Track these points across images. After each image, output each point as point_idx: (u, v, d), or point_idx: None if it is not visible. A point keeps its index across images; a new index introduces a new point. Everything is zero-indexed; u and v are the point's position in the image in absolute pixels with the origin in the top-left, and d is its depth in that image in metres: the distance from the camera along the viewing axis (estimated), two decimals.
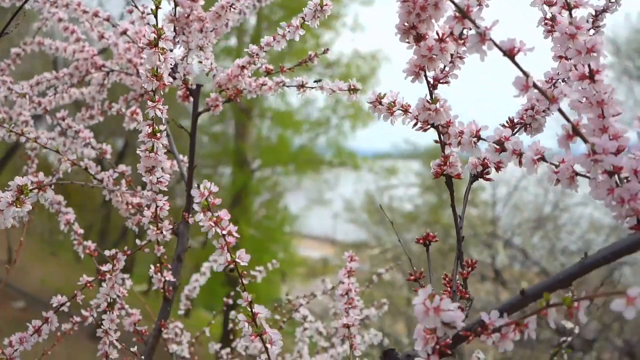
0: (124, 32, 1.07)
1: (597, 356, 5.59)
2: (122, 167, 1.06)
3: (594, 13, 0.73)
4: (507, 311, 0.53)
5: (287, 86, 0.99)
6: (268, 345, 0.66)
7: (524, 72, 0.51)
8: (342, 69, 10.30)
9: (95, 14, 1.10)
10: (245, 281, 1.41)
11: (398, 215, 9.83)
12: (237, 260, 0.64)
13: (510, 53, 0.51)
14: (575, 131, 0.52)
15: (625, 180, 0.53)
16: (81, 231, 1.10)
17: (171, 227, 0.92)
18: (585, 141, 0.52)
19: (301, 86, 0.97)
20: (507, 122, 0.70)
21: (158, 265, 0.97)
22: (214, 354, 1.40)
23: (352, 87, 0.86)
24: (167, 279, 0.98)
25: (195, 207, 0.62)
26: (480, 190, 9.32)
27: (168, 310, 1.01)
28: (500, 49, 0.51)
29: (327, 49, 1.02)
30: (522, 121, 0.69)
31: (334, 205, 11.79)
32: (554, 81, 0.69)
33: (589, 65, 0.54)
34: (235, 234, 0.64)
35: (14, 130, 0.98)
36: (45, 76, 1.25)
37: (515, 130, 0.69)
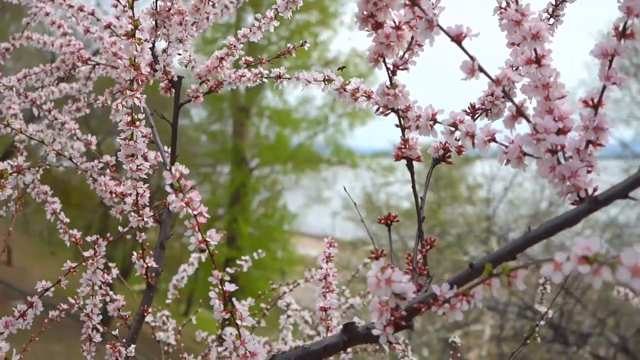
0: (108, 26, 1.10)
1: (591, 351, 5.62)
2: (106, 158, 1.09)
3: (554, 2, 0.76)
4: (457, 284, 0.56)
5: (266, 77, 1.02)
6: (238, 322, 0.69)
7: (470, 57, 0.54)
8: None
9: (80, 9, 1.13)
10: (230, 269, 1.41)
11: (395, 212, 9.83)
12: (207, 239, 0.67)
13: (457, 38, 0.54)
14: (519, 112, 0.55)
15: (570, 159, 0.56)
16: (67, 220, 1.13)
17: (152, 214, 0.95)
18: (529, 121, 0.55)
19: (278, 77, 1.00)
20: (468, 107, 0.72)
21: (140, 252, 1.00)
22: (201, 341, 1.43)
23: (326, 77, 0.89)
24: (149, 265, 1.01)
25: (167, 188, 0.65)
26: (478, 188, 9.35)
27: (151, 296, 1.04)
28: (447, 34, 0.54)
29: (305, 42, 1.06)
30: (482, 107, 0.72)
31: (333, 203, 11.83)
32: (513, 68, 0.72)
33: (535, 50, 0.57)
34: (206, 215, 0.67)
35: (1, 121, 1.00)
36: (33, 70, 1.28)
37: (477, 115, 0.72)
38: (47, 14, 1.24)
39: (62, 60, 1.23)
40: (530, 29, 0.56)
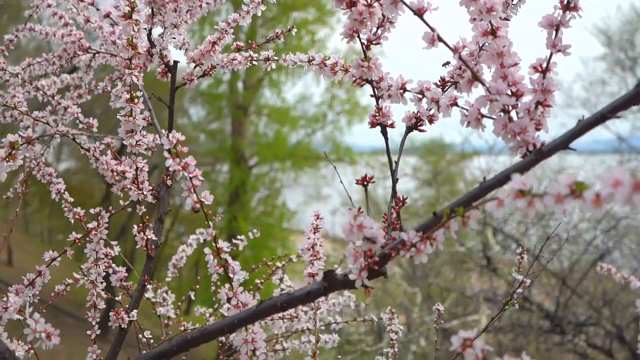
0: (107, 15, 1.17)
1: (587, 340, 5.70)
2: (107, 139, 1.16)
3: None
4: (423, 230, 0.62)
5: (255, 60, 1.09)
6: (231, 275, 0.76)
7: (431, 28, 0.61)
8: None
9: None
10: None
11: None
12: (202, 199, 0.74)
13: (419, 12, 0.61)
14: (474, 77, 0.62)
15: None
16: (71, 199, 1.19)
17: (151, 187, 1.02)
18: (484, 85, 0.62)
19: (267, 59, 1.07)
20: (439, 80, 0.79)
21: (140, 225, 1.07)
22: (200, 317, 1.50)
23: (311, 59, 0.96)
24: (149, 237, 1.08)
25: (165, 154, 0.72)
26: (475, 184, 9.41)
27: (151, 267, 1.11)
28: (410, 9, 0.61)
29: (293, 27, 1.13)
30: (452, 79, 0.79)
31: (332, 200, 11.90)
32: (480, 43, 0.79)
33: (490, 23, 0.64)
34: (201, 178, 0.74)
35: (7, 104, 1.07)
36: (36, 60, 1.35)
37: (447, 87, 0.79)
38: (49, 6, 1.31)
39: (64, 49, 1.30)
40: (485, 3, 0.63)
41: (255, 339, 0.73)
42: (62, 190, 1.21)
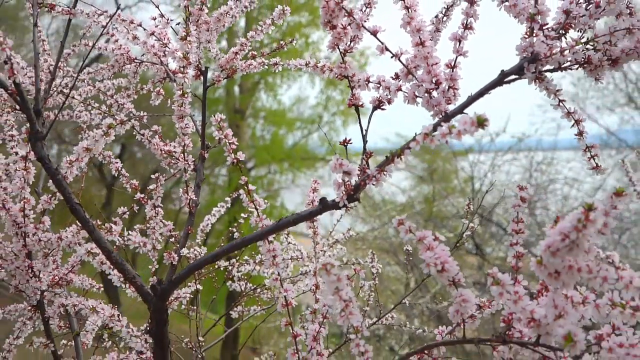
0: (152, 33, 1.55)
1: None
2: (155, 127, 1.54)
3: (446, 6, 1.21)
4: (379, 167, 1.00)
5: (267, 65, 1.47)
6: (258, 207, 1.14)
7: (381, 42, 0.99)
8: None
9: (131, 22, 1.58)
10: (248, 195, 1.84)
11: (392, 206, 10.26)
12: (238, 157, 1.12)
13: (374, 32, 0.99)
14: (408, 71, 1.00)
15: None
16: (127, 175, 1.57)
17: (194, 160, 1.40)
18: (414, 76, 1.00)
19: (276, 64, 1.46)
20: (394, 74, 1.17)
21: (185, 187, 1.45)
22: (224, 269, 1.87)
23: (307, 63, 1.34)
24: (191, 198, 1.46)
25: (213, 127, 1.10)
26: (470, 181, 9.82)
27: (192, 220, 1.49)
28: (368, 31, 0.99)
29: (293, 39, 1.51)
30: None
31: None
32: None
33: (419, 37, 1.02)
34: (236, 143, 1.12)
35: (80, 100, 1.45)
36: (91, 68, 1.73)
37: (399, 79, 1.17)
38: (103, 27, 1.69)
39: (116, 59, 1.68)
40: (415, 25, 1.01)
41: (275, 248, 1.11)
42: (120, 168, 1.59)
